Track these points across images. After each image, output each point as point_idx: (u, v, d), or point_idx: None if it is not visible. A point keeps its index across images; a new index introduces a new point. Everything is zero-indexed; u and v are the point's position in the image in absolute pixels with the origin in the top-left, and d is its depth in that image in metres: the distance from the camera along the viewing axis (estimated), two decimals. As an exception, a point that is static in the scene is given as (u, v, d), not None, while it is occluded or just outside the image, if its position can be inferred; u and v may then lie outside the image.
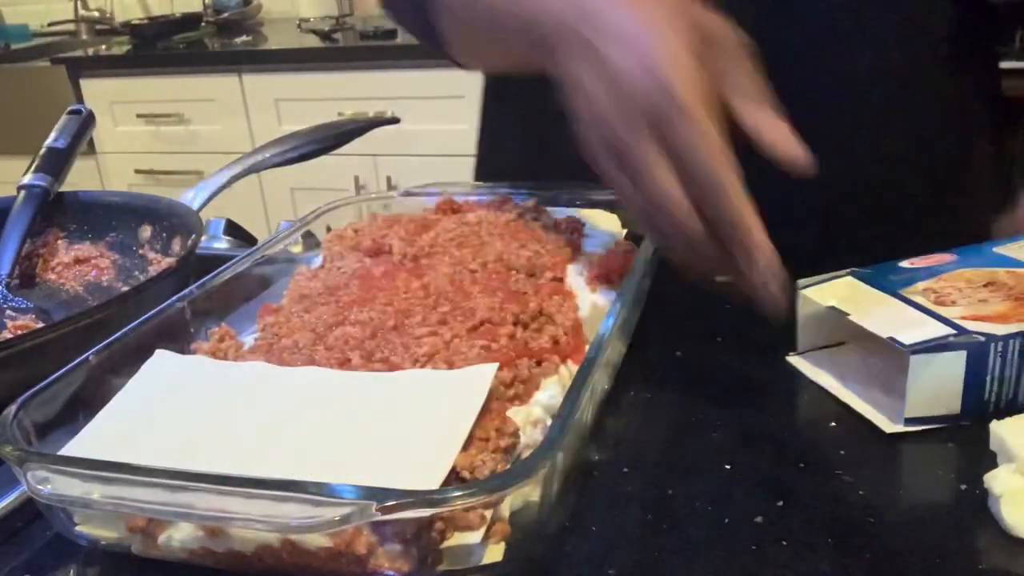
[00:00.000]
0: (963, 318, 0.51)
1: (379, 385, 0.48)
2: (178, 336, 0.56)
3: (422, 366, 0.49)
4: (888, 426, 0.51)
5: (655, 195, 0.47)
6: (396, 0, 0.68)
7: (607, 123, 0.47)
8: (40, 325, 0.70)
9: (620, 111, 0.47)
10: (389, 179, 2.31)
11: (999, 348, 0.50)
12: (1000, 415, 0.49)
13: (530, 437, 0.46)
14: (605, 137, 0.48)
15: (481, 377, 0.46)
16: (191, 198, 0.83)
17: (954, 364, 0.50)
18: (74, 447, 0.45)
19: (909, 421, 0.51)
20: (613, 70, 0.47)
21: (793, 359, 0.59)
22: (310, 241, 0.69)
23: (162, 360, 0.52)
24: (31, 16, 3.08)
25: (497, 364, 0.47)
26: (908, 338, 0.50)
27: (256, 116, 2.41)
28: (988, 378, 0.50)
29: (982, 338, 0.50)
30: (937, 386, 0.50)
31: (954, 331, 0.50)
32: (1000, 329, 0.50)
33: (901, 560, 0.41)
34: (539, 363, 0.50)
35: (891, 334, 0.51)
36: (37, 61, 2.68)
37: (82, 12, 2.98)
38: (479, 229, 0.66)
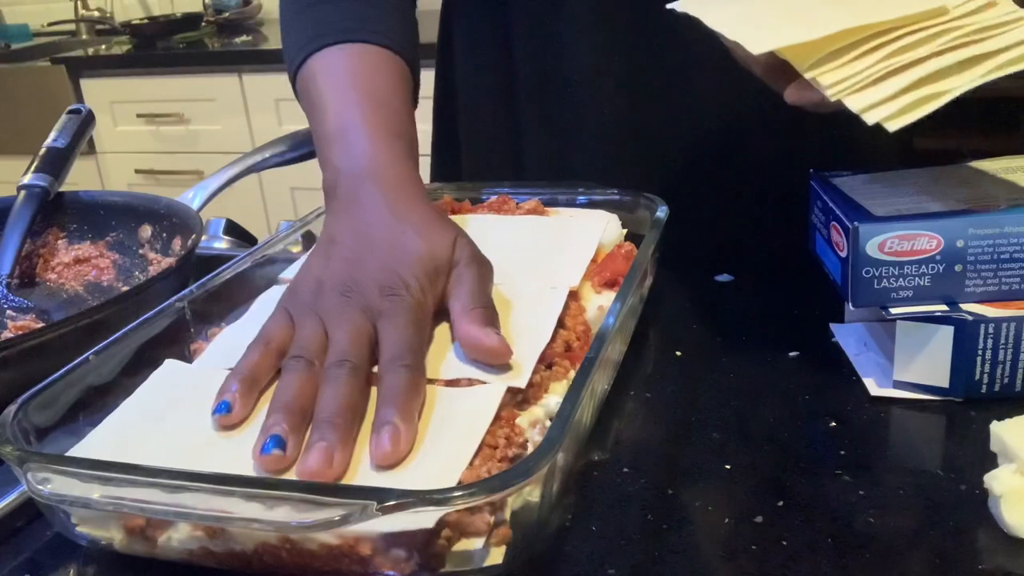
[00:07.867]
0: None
1: None
2: (178, 336, 0.55)
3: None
4: (875, 389, 0.54)
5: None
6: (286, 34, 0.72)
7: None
8: (40, 325, 0.70)
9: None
10: (389, 179, 2.31)
11: (990, 330, 0.51)
12: (997, 399, 0.51)
13: (530, 438, 0.46)
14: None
15: (491, 393, 0.46)
16: (191, 198, 0.83)
17: (942, 337, 0.51)
18: (79, 451, 0.44)
19: (898, 385, 0.53)
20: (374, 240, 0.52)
21: (835, 326, 0.61)
22: (310, 241, 0.69)
23: (170, 369, 0.51)
24: (31, 16, 3.08)
25: (509, 378, 0.47)
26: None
27: (256, 116, 2.41)
28: (978, 358, 0.51)
29: (970, 317, 0.51)
30: (925, 355, 0.52)
31: (945, 307, 0.52)
32: (993, 312, 0.51)
33: (901, 560, 0.41)
34: (549, 367, 0.50)
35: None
36: (37, 61, 2.67)
37: (82, 12, 2.98)
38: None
